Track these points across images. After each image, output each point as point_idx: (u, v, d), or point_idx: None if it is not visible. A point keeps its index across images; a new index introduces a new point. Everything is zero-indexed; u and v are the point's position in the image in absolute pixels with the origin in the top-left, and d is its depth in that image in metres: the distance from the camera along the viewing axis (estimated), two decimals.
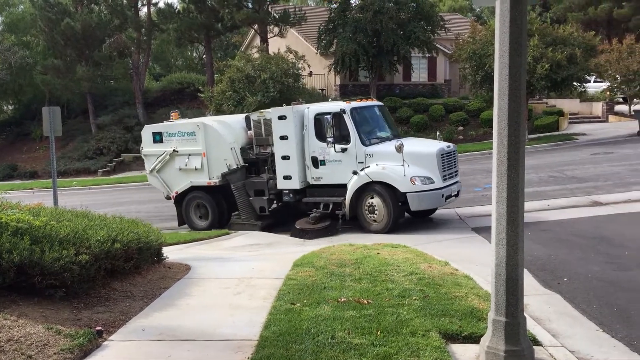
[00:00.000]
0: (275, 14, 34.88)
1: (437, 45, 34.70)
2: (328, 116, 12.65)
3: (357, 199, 12.62)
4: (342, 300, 6.55)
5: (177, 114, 15.64)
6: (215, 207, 14.37)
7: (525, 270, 8.24)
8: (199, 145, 14.13)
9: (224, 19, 35.78)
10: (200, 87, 31.89)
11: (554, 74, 25.05)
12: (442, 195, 12.24)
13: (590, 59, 27.87)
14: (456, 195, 13.04)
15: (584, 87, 30.18)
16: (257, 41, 36.73)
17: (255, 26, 36.37)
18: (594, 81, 34.76)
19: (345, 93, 34.14)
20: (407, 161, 11.90)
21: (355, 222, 12.84)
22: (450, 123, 30.95)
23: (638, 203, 12.81)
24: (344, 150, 12.70)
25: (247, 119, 14.68)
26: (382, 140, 13.19)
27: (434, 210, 13.53)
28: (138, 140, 36.32)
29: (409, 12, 31.00)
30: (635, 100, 30.73)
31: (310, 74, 33.42)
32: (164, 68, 57.68)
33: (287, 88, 26.57)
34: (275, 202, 13.98)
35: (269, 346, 5.29)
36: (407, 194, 12.03)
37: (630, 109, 30.68)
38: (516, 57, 4.96)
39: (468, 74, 28.05)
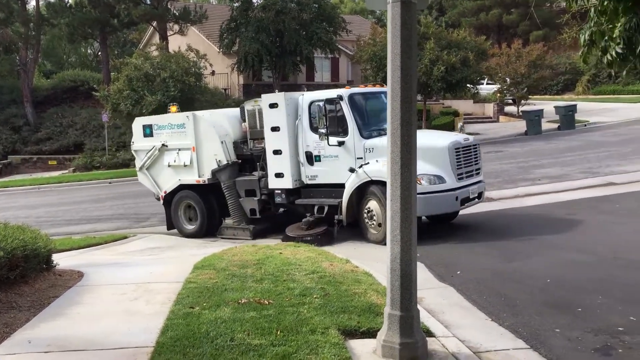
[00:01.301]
0: (175, 11, 34.09)
1: (339, 46, 35.32)
2: (322, 103, 10.99)
3: (357, 202, 10.90)
4: (243, 301, 6.49)
5: (175, 107, 14.01)
6: (205, 209, 12.84)
7: (421, 265, 8.63)
8: (188, 138, 12.71)
9: (121, 14, 34.57)
10: (95, 86, 30.56)
11: (449, 76, 26.21)
12: (456, 197, 10.40)
13: (482, 62, 29.43)
14: (478, 198, 11.18)
15: (476, 88, 31.82)
16: (156, 39, 35.70)
17: (154, 23, 35.34)
18: (487, 83, 36.70)
19: (248, 93, 33.91)
20: None
21: (357, 229, 11.12)
22: None
23: (524, 198, 13.67)
24: (340, 144, 10.87)
25: (242, 109, 12.85)
26: (381, 133, 10.90)
27: (454, 214, 11.64)
28: (27, 141, 34.49)
29: (311, 13, 31.31)
30: (522, 101, 32.79)
31: (213, 73, 32.93)
32: (56, 65, 54.79)
33: (188, 87, 26.06)
34: (271, 203, 12.19)
35: (165, 352, 5.14)
36: None
37: (518, 109, 32.68)
38: (407, 59, 5.12)
39: (369, 75, 28.76)
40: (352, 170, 10.72)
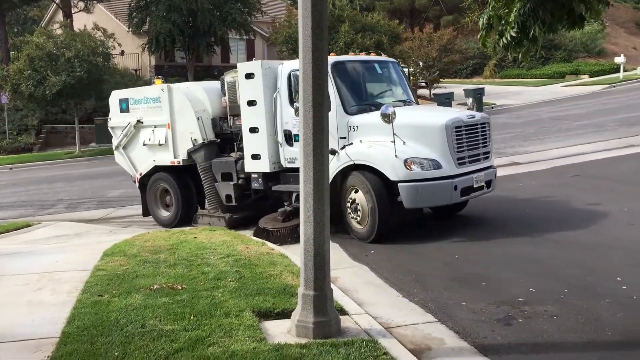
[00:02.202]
0: None
1: (255, 27, 34.93)
2: (294, 73, 9.26)
3: (340, 191, 9.24)
4: (155, 287, 6.35)
5: (160, 80, 12.38)
6: (180, 194, 11.53)
7: (336, 245, 8.76)
8: (163, 114, 11.33)
9: None
10: None
11: None
12: (455, 186, 8.74)
13: (395, 45, 30.02)
14: (487, 187, 9.45)
15: None
16: (60, 16, 33.87)
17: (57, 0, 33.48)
18: (400, 67, 37.48)
19: (161, 74, 32.93)
20: (401, 136, 8.56)
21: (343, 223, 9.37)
22: None
23: None
24: None
25: (221, 81, 11.25)
26: (372, 109, 9.47)
27: (461, 205, 10.07)
28: None
29: None
30: (435, 84, 33.78)
31: (122, 53, 31.68)
32: None
33: (96, 68, 24.95)
34: (250, 189, 10.70)
35: (71, 342, 4.94)
36: (399, 184, 8.55)
37: (430, 92, 33.67)
38: (318, 41, 5.13)
39: (285, 57, 28.64)
40: (332, 152, 8.81)
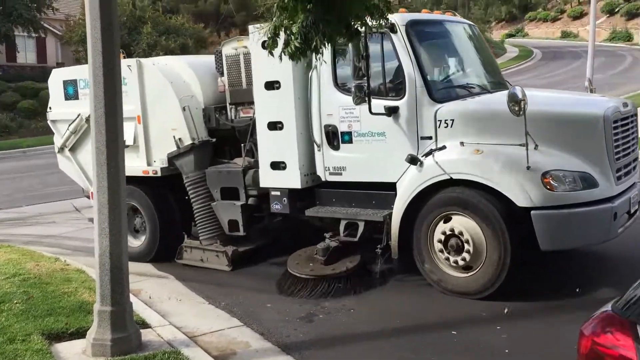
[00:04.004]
0: None
1: (46, 25, 32.25)
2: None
3: (417, 219, 6.31)
4: None
5: (120, 54, 9.47)
6: (157, 217, 8.17)
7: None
8: (131, 102, 7.83)
9: None
10: None
11: None
12: (614, 214, 5.78)
13: (201, 49, 29.78)
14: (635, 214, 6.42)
15: None
16: None
17: None
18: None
19: None
20: (534, 136, 5.63)
21: (410, 265, 6.59)
22: None
23: None
24: (390, 111, 6.33)
25: (217, 55, 7.95)
26: (472, 92, 6.84)
27: None
28: None
29: None
30: None
31: None
32: None
33: None
34: (263, 211, 7.61)
35: None
36: (532, 213, 5.63)
37: None
38: (108, 43, 4.91)
39: (82, 58, 26.90)
40: (413, 160, 6.20)
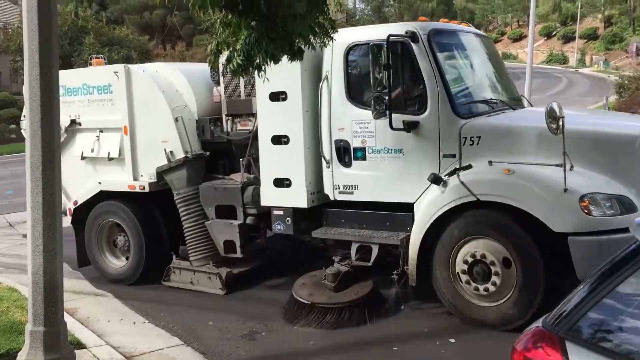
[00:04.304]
0: None
1: None
2: (383, 46, 5.77)
3: (438, 243, 5.85)
4: None
5: (101, 60, 8.81)
6: (143, 235, 7.68)
7: (76, 273, 8.20)
8: (117, 111, 7.58)
9: None
10: None
11: None
12: None
13: (146, 61, 29.35)
14: None
15: None
16: None
17: None
18: None
19: None
20: (571, 156, 5.22)
21: (429, 291, 6.12)
22: (0, 120, 28.18)
23: None
24: (410, 126, 5.90)
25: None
26: (494, 108, 6.39)
27: None
28: None
29: None
30: None
31: None
32: None
33: None
34: (261, 232, 7.28)
35: None
36: (570, 239, 5.19)
37: None
38: (46, 56, 4.77)
39: (19, 68, 26.05)
40: (436, 179, 5.73)
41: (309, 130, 6.50)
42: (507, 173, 5.46)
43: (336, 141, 6.39)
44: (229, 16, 4.27)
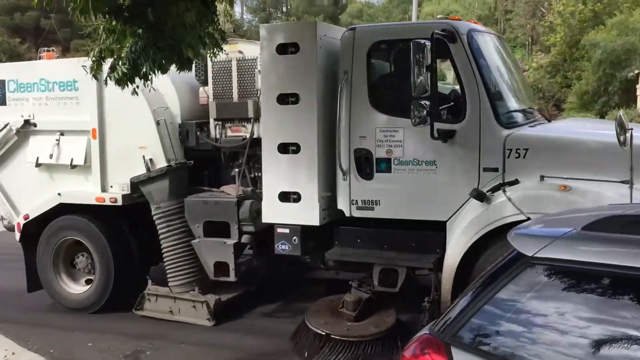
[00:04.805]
0: None
1: None
2: (422, 45, 4.93)
3: (474, 268, 5.12)
4: None
5: (52, 53, 7.57)
6: (111, 256, 6.67)
7: None
8: (83, 112, 6.58)
9: None
10: None
11: None
12: None
13: None
14: None
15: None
16: None
17: None
18: None
19: None
20: (620, 169, 4.68)
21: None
22: None
23: None
24: (446, 136, 5.29)
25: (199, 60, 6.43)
26: (529, 118, 5.85)
27: None
28: None
29: None
30: None
31: None
32: None
33: None
34: (253, 251, 6.47)
35: None
36: None
37: None
38: None
39: None
40: (479, 195, 5.16)
41: (323, 138, 5.75)
42: (564, 190, 4.86)
43: (356, 150, 5.65)
44: (113, 22, 4.08)
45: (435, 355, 2.45)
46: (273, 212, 5.89)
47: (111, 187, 6.67)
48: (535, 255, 2.40)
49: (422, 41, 4.87)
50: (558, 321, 2.30)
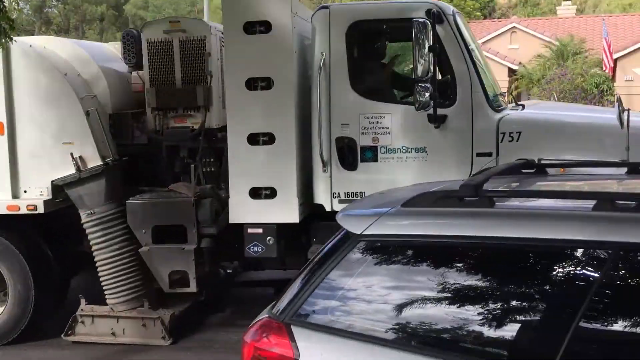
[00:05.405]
0: None
1: None
2: (420, 22, 4.81)
3: None
4: None
5: None
6: (29, 274, 5.64)
7: None
8: None
9: None
10: None
11: None
12: None
13: None
14: None
15: None
16: None
17: None
18: None
19: None
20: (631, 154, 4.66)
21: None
22: None
23: None
24: (438, 121, 5.11)
25: (130, 41, 5.83)
26: (506, 102, 5.99)
27: None
28: None
29: None
30: None
31: None
32: None
33: None
34: (206, 259, 5.70)
35: None
36: None
37: None
38: None
39: None
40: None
41: (301, 126, 5.35)
42: (562, 173, 4.59)
43: (338, 139, 5.29)
44: None
45: (276, 336, 2.49)
46: (242, 210, 5.36)
47: (24, 192, 5.63)
48: (363, 233, 2.51)
49: (423, 20, 4.74)
50: (388, 292, 2.45)
